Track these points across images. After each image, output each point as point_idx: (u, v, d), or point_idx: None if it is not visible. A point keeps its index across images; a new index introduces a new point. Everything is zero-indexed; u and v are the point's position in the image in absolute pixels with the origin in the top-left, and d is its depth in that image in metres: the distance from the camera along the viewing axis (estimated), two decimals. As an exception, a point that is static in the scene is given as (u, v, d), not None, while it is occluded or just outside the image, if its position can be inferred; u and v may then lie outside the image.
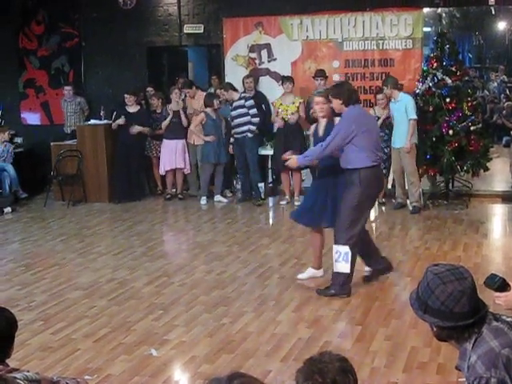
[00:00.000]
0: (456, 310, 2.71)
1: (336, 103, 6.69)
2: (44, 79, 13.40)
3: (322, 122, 6.96)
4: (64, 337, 5.99)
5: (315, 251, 7.28)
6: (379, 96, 10.48)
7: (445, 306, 2.72)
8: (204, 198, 11.40)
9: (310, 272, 7.33)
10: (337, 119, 6.86)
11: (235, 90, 11.27)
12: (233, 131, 11.27)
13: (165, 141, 11.70)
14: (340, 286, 6.74)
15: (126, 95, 11.58)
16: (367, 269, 7.24)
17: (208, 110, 11.16)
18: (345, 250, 6.61)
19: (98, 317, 6.45)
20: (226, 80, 11.98)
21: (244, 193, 11.58)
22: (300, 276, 7.34)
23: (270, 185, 12.10)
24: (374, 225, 9.61)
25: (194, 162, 11.75)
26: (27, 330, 6.08)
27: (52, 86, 13.31)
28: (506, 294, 3.07)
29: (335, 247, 6.70)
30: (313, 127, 7.30)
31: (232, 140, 11.38)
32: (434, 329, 2.83)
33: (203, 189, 11.51)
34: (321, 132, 6.93)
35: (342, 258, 6.63)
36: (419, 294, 2.83)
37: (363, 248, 6.94)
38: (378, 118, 10.33)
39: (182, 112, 11.55)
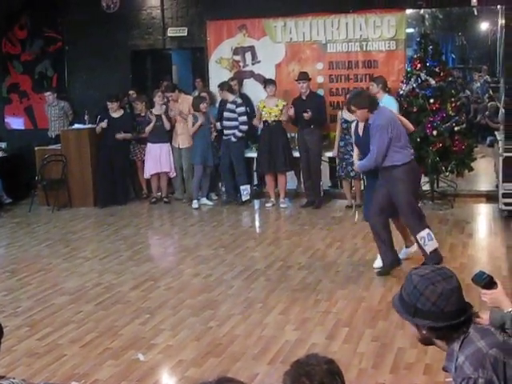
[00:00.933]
0: (447, 310, 2.71)
1: (362, 113, 7.21)
2: (27, 84, 13.34)
3: (361, 123, 7.45)
4: (50, 342, 5.96)
5: (402, 232, 7.84)
6: None
7: (436, 306, 2.71)
8: (196, 201, 11.29)
9: (405, 252, 7.85)
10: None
11: (232, 92, 11.27)
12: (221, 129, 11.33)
13: (149, 145, 11.66)
14: (436, 258, 7.23)
15: (108, 103, 11.51)
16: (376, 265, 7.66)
17: (197, 113, 11.14)
18: (424, 233, 7.28)
19: (84, 322, 6.43)
20: (210, 83, 12.01)
21: (229, 195, 11.58)
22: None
23: (255, 187, 12.10)
24: (360, 226, 9.62)
25: (179, 165, 11.72)
26: (13, 336, 6.03)
27: (36, 91, 13.25)
28: (492, 292, 3.10)
29: (417, 237, 7.34)
30: (353, 124, 7.82)
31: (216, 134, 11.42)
32: (424, 331, 2.80)
33: (195, 192, 11.36)
34: (361, 132, 7.49)
35: (427, 240, 7.28)
36: (405, 299, 2.82)
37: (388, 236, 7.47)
38: (348, 121, 10.27)
39: (164, 116, 11.52)
